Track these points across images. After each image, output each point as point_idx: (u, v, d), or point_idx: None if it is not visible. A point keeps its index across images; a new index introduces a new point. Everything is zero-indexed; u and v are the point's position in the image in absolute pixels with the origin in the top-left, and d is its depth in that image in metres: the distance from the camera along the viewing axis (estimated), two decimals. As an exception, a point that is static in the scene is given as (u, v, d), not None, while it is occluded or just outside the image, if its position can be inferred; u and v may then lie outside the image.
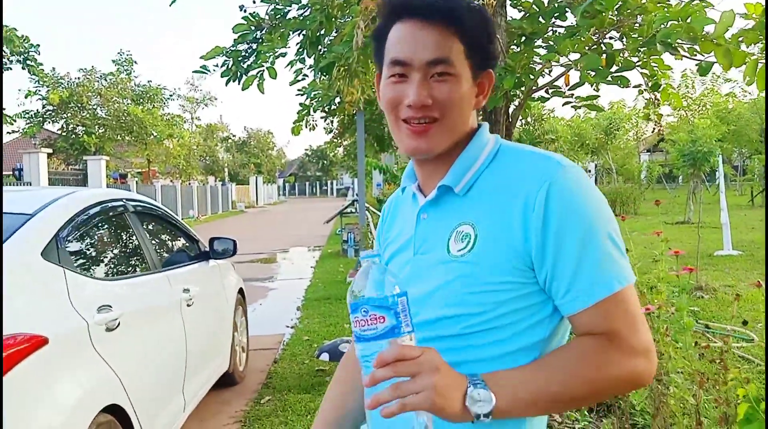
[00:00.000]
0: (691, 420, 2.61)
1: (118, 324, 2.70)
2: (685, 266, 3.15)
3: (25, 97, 24.84)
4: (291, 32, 4.17)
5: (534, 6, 3.54)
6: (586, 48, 3.06)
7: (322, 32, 4.15)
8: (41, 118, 26.10)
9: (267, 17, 4.25)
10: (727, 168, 18.72)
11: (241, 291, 5.18)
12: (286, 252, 15.26)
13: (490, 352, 1.02)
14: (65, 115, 26.73)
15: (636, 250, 3.31)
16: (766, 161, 20.70)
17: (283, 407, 4.27)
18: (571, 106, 3.52)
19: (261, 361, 5.47)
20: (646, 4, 3.04)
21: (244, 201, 44.25)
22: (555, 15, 3.44)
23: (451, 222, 1.07)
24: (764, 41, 2.33)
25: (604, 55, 3.11)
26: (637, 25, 3.17)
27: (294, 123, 6.25)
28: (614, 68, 3.11)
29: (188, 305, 3.65)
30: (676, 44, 2.61)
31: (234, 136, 57.67)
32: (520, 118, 5.19)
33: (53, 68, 27.81)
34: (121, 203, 3.47)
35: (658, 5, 3.01)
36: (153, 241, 3.85)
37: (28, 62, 22.42)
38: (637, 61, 3.25)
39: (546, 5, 3.52)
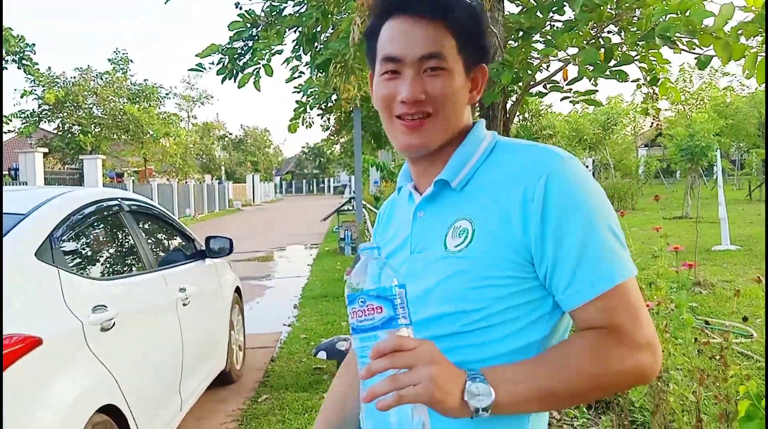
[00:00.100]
0: (691, 417, 2.59)
1: (114, 324, 2.68)
2: (685, 262, 3.14)
3: (21, 97, 24.72)
4: (287, 29, 4.16)
5: (531, 0, 3.52)
6: (585, 42, 3.05)
7: (319, 29, 4.14)
8: (37, 118, 26.00)
9: (263, 14, 4.24)
10: (725, 162, 18.71)
11: (237, 289, 5.16)
12: (283, 250, 15.25)
13: (489, 351, 1.00)
14: (61, 115, 26.64)
15: (635, 245, 3.29)
16: (765, 155, 20.72)
17: (280, 406, 4.26)
18: (570, 101, 3.50)
19: (258, 359, 5.45)
20: (644, -2, 3.03)
21: (240, 199, 44.21)
22: (553, 9, 3.42)
23: (448, 218, 1.05)
24: (764, 34, 2.32)
25: (603, 50, 3.09)
26: (635, 18, 3.16)
27: (291, 120, 6.25)
28: (612, 62, 3.10)
29: (184, 304, 3.63)
30: (675, 38, 2.60)
31: (230, 134, 57.75)
32: (518, 113, 5.17)
33: (49, 68, 27.77)
34: (116, 202, 3.45)
35: (657, -2, 2.99)
36: (148, 241, 3.82)
37: (24, 62, 22.31)
38: (636, 55, 3.23)
39: (543, -1, 3.50)
